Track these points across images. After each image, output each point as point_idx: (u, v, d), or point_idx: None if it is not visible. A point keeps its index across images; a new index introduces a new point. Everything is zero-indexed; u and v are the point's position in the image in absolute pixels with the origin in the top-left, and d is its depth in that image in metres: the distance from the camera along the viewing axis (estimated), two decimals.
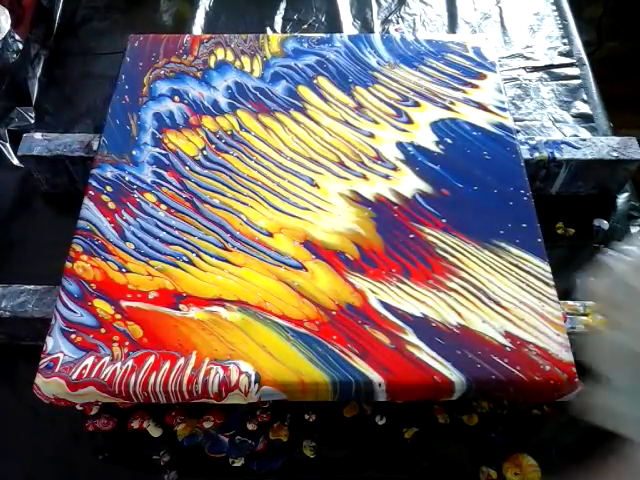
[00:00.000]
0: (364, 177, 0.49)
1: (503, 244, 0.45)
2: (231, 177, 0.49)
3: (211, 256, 0.45)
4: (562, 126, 0.63)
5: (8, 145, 0.63)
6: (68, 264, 0.44)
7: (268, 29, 0.74)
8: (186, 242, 0.45)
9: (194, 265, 0.44)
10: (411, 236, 0.46)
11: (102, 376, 0.39)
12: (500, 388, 0.39)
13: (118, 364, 0.40)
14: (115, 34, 0.72)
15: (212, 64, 0.57)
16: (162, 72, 0.56)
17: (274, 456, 0.44)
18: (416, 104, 0.53)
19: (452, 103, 0.53)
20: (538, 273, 0.43)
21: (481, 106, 0.53)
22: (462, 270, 0.44)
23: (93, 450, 0.45)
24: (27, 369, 0.42)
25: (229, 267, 0.44)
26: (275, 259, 0.45)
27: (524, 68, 0.68)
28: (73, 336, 0.41)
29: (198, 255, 0.45)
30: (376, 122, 0.53)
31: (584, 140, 0.54)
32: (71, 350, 0.40)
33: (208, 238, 0.46)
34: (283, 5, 0.76)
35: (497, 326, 0.41)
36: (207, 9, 0.76)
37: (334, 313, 0.42)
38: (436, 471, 0.44)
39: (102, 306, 0.42)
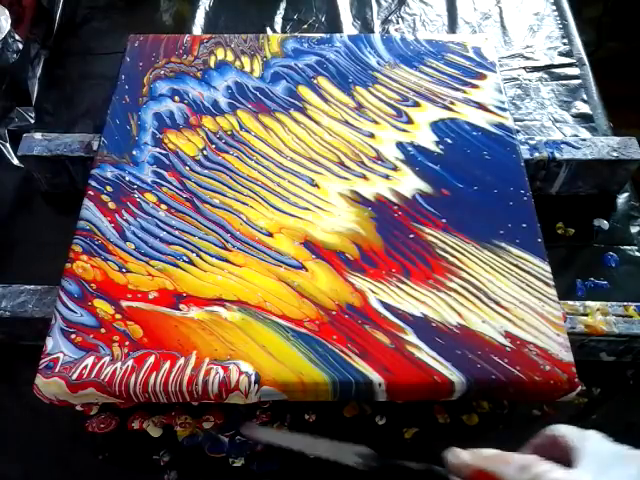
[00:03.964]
0: (364, 177, 0.49)
1: (503, 244, 0.45)
2: (231, 177, 0.49)
3: (211, 256, 0.45)
4: (562, 126, 0.63)
5: (8, 145, 0.63)
6: (68, 264, 0.44)
7: (268, 29, 0.74)
8: (186, 242, 0.45)
9: (194, 265, 0.44)
10: (411, 236, 0.46)
11: (102, 376, 0.39)
12: (500, 388, 0.39)
13: (118, 364, 0.40)
14: (115, 34, 0.72)
15: (212, 64, 0.57)
16: (162, 72, 0.56)
17: (274, 456, 0.44)
18: (416, 104, 0.53)
19: (452, 103, 0.53)
20: (538, 273, 0.43)
21: (481, 106, 0.53)
22: (462, 270, 0.44)
23: (93, 450, 0.45)
24: (27, 369, 0.42)
25: (229, 267, 0.44)
26: (275, 259, 0.45)
27: (524, 68, 0.68)
28: (73, 336, 0.41)
29: (198, 255, 0.45)
30: (376, 122, 0.53)
31: (584, 140, 0.54)
32: (71, 350, 0.40)
33: (208, 238, 0.46)
34: (283, 5, 0.76)
35: (497, 326, 0.41)
36: (207, 9, 0.76)
37: (334, 313, 0.42)
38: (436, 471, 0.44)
39: (102, 306, 0.42)
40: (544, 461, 0.30)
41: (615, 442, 0.31)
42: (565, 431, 0.31)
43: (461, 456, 0.33)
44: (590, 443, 0.30)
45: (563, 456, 0.31)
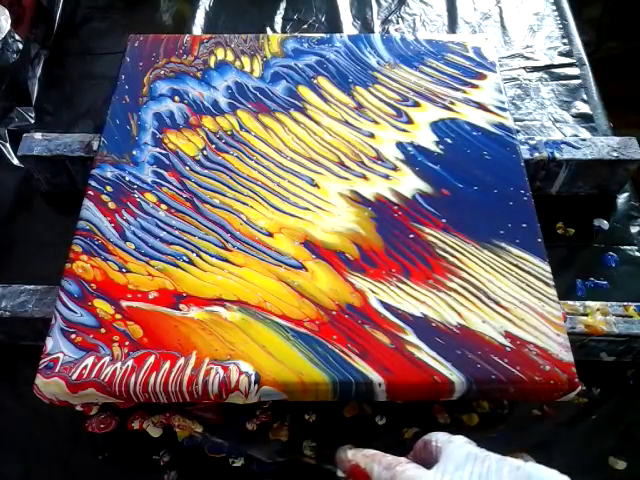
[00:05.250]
0: (364, 177, 0.49)
1: (503, 244, 0.45)
2: (231, 177, 0.49)
3: (211, 256, 0.45)
4: (562, 126, 0.63)
5: (8, 145, 0.63)
6: (68, 264, 0.44)
7: (268, 29, 0.74)
8: (186, 242, 0.45)
9: (194, 265, 0.44)
10: (411, 236, 0.46)
11: (102, 376, 0.39)
12: (500, 388, 0.39)
13: (118, 364, 0.40)
14: (115, 34, 0.72)
15: (212, 64, 0.57)
16: (162, 72, 0.56)
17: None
18: (416, 104, 0.53)
19: (452, 103, 0.53)
20: (538, 273, 0.43)
21: (481, 106, 0.53)
22: (462, 270, 0.44)
23: (93, 450, 0.45)
24: (27, 369, 0.42)
25: (229, 267, 0.44)
26: (275, 259, 0.45)
27: (524, 68, 0.68)
28: (73, 336, 0.41)
29: (198, 255, 0.45)
30: (376, 122, 0.53)
31: (584, 140, 0.54)
32: (71, 350, 0.40)
33: (208, 238, 0.46)
34: (283, 5, 0.76)
35: (497, 326, 0.41)
36: (207, 9, 0.76)
37: (334, 313, 0.42)
38: None
39: (102, 306, 0.42)
40: (408, 462, 0.32)
41: (477, 446, 0.33)
42: (435, 436, 0.34)
43: (346, 452, 0.36)
44: (452, 445, 0.32)
45: (432, 458, 0.33)
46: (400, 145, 0.51)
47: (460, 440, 0.33)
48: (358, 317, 0.42)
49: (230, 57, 0.57)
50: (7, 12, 0.66)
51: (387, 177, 0.49)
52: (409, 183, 0.49)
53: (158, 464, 0.44)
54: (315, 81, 0.55)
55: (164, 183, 0.49)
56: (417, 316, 0.42)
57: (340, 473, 0.37)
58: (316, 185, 0.49)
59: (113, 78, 0.56)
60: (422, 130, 0.52)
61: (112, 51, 0.70)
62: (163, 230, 0.46)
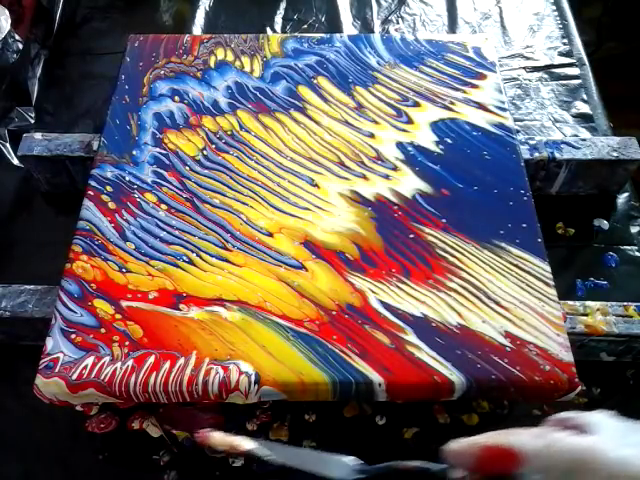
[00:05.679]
0: (364, 177, 0.49)
1: (503, 244, 0.45)
2: (231, 177, 0.49)
3: (211, 256, 0.45)
4: (562, 126, 0.63)
5: (8, 145, 0.63)
6: (68, 264, 0.44)
7: (268, 29, 0.74)
8: (186, 242, 0.45)
9: (194, 265, 0.44)
10: (411, 236, 0.46)
11: (102, 376, 0.39)
12: (500, 388, 0.39)
13: (118, 364, 0.40)
14: (115, 34, 0.72)
15: (212, 64, 0.57)
16: (162, 72, 0.56)
17: None
18: (416, 104, 0.53)
19: (452, 103, 0.53)
20: (538, 273, 0.43)
21: (481, 106, 0.53)
22: (462, 270, 0.44)
23: (93, 450, 0.45)
24: (27, 369, 0.42)
25: (229, 267, 0.44)
26: (275, 259, 0.45)
27: (524, 68, 0.68)
28: (73, 336, 0.41)
29: (198, 255, 0.45)
30: (376, 122, 0.53)
31: (584, 140, 0.54)
32: (71, 350, 0.40)
33: (208, 238, 0.46)
34: (283, 5, 0.76)
35: (497, 326, 0.41)
36: (207, 9, 0.76)
37: (334, 313, 0.42)
38: None
39: (102, 306, 0.42)
40: (559, 430, 0.30)
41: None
42: (572, 414, 0.31)
43: (465, 439, 0.32)
44: (601, 417, 0.30)
45: (579, 431, 0.30)
46: (400, 145, 0.51)
47: (605, 412, 0.30)
48: (358, 317, 0.42)
49: (230, 57, 0.57)
50: (7, 12, 0.66)
51: (387, 177, 0.49)
52: (409, 183, 0.49)
53: (158, 464, 0.44)
54: (315, 81, 0.55)
55: (164, 183, 0.49)
56: (417, 316, 0.42)
57: (454, 473, 0.32)
58: (316, 185, 0.49)
59: (113, 78, 0.56)
60: (422, 130, 0.52)
61: (112, 51, 0.70)
62: (163, 230, 0.46)
